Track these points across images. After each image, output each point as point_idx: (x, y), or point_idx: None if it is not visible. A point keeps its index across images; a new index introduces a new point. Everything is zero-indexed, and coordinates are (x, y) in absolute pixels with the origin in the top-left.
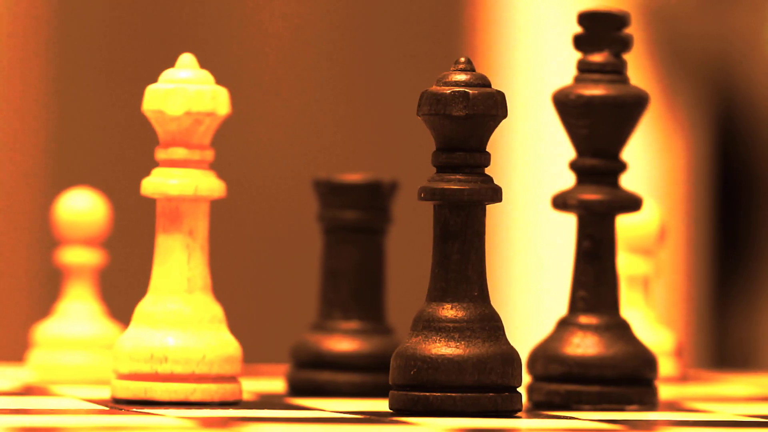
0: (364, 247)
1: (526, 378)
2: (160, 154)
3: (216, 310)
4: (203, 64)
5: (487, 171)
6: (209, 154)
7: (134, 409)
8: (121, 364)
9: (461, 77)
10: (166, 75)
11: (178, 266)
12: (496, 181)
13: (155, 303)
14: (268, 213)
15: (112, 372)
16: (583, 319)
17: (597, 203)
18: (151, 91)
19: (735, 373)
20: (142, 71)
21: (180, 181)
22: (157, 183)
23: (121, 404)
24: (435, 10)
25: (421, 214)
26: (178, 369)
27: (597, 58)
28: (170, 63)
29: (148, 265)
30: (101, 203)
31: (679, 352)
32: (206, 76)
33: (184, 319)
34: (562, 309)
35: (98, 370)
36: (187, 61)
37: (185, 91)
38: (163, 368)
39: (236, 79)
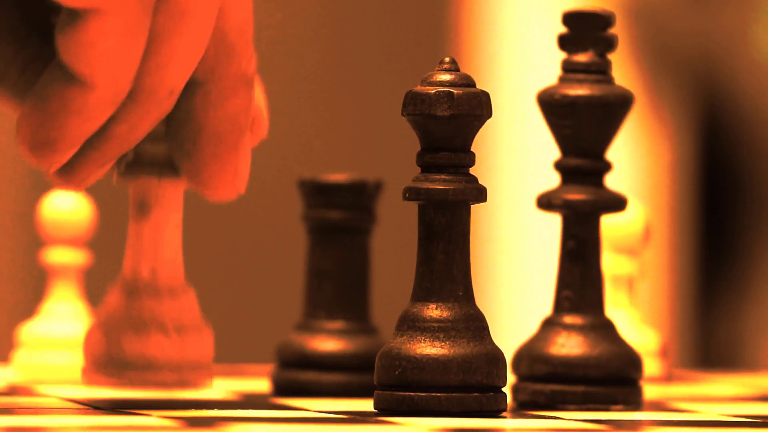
0: (348, 247)
1: (510, 378)
2: None
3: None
4: None
5: (472, 171)
6: None
7: (118, 409)
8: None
9: (446, 77)
10: None
11: None
12: (480, 181)
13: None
14: (252, 213)
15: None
16: (568, 319)
17: (582, 203)
18: None
19: (720, 372)
20: None
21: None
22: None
23: (104, 404)
24: (420, 10)
25: (405, 214)
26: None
27: (582, 58)
28: None
29: None
30: (86, 203)
31: (664, 352)
32: None
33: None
34: (546, 309)
35: None
36: None
37: None
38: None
39: None
